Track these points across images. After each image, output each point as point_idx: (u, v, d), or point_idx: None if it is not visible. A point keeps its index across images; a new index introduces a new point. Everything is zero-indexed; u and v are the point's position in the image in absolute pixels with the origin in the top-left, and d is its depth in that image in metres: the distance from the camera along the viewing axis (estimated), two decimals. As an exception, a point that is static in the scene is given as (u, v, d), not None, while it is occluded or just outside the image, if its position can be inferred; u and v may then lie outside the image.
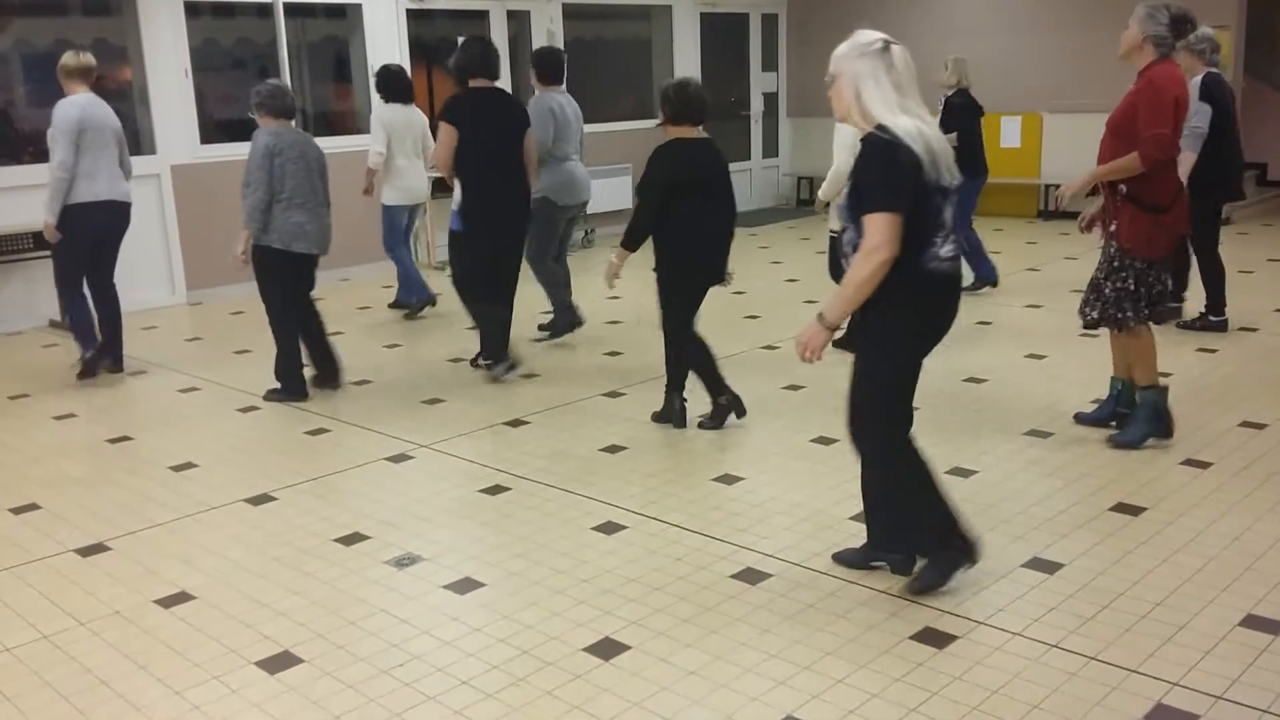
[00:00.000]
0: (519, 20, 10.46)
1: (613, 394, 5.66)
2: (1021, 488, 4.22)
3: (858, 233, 3.09)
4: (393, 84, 7.49)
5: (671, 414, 5.06)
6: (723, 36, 12.26)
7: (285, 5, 8.79)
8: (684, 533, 3.90)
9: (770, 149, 13.02)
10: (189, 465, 4.82)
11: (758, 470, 4.49)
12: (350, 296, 8.52)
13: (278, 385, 5.76)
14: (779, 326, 6.91)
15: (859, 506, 4.02)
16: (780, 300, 7.80)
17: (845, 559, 3.60)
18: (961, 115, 7.60)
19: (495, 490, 4.39)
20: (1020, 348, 6.26)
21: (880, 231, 3.01)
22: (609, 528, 3.97)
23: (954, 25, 11.52)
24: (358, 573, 3.68)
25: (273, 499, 4.38)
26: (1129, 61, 4.44)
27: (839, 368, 5.83)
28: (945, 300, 3.24)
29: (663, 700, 2.86)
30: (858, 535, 3.80)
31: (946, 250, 3.16)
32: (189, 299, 8.50)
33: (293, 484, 4.53)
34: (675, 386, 5.06)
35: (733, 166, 12.13)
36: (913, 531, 3.43)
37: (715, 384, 5.01)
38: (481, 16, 10.15)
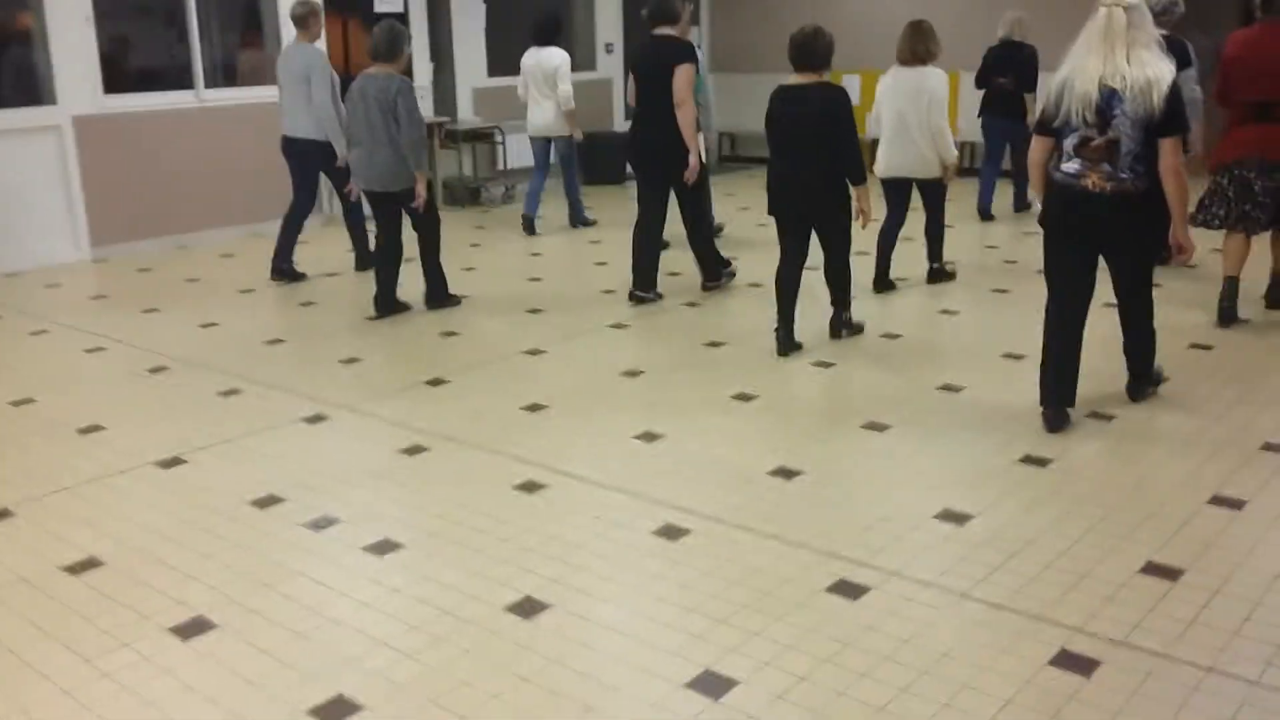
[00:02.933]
0: (436, -30, 10.24)
1: (534, 351, 5.63)
2: (934, 441, 4.31)
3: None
4: (532, 28, 8.53)
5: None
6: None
7: (191, -51, 8.49)
8: (605, 490, 3.92)
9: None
10: (96, 427, 4.69)
11: (679, 427, 4.52)
12: (263, 252, 8.29)
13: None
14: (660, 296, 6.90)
15: (778, 461, 4.10)
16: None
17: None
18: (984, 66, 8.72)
19: (414, 450, 4.35)
20: (934, 304, 6.37)
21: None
22: (530, 486, 3.97)
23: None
24: (273, 536, 3.63)
25: (184, 461, 4.29)
26: None
27: (763, 328, 5.88)
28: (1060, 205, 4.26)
29: (583, 657, 2.88)
30: (777, 490, 3.86)
31: (1065, 166, 4.20)
32: (94, 255, 8.21)
33: (205, 446, 4.44)
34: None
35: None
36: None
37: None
38: (397, -35, 9.91)
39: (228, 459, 4.30)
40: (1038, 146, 4.33)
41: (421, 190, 6.05)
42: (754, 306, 6.41)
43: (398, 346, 5.83)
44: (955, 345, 5.57)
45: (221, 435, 4.55)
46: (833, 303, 5.63)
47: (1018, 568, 3.28)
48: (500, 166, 10.58)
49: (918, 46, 6.25)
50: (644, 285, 6.51)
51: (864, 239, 5.70)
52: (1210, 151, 5.79)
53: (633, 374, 5.22)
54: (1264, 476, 3.87)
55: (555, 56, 8.39)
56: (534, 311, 6.44)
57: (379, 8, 9.83)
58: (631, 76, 6.44)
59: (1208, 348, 5.31)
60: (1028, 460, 4.07)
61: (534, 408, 4.80)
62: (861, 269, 6.03)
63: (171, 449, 4.40)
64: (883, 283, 6.63)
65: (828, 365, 5.28)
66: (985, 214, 8.85)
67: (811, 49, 5.20)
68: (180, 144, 8.54)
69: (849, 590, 3.18)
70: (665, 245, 6.85)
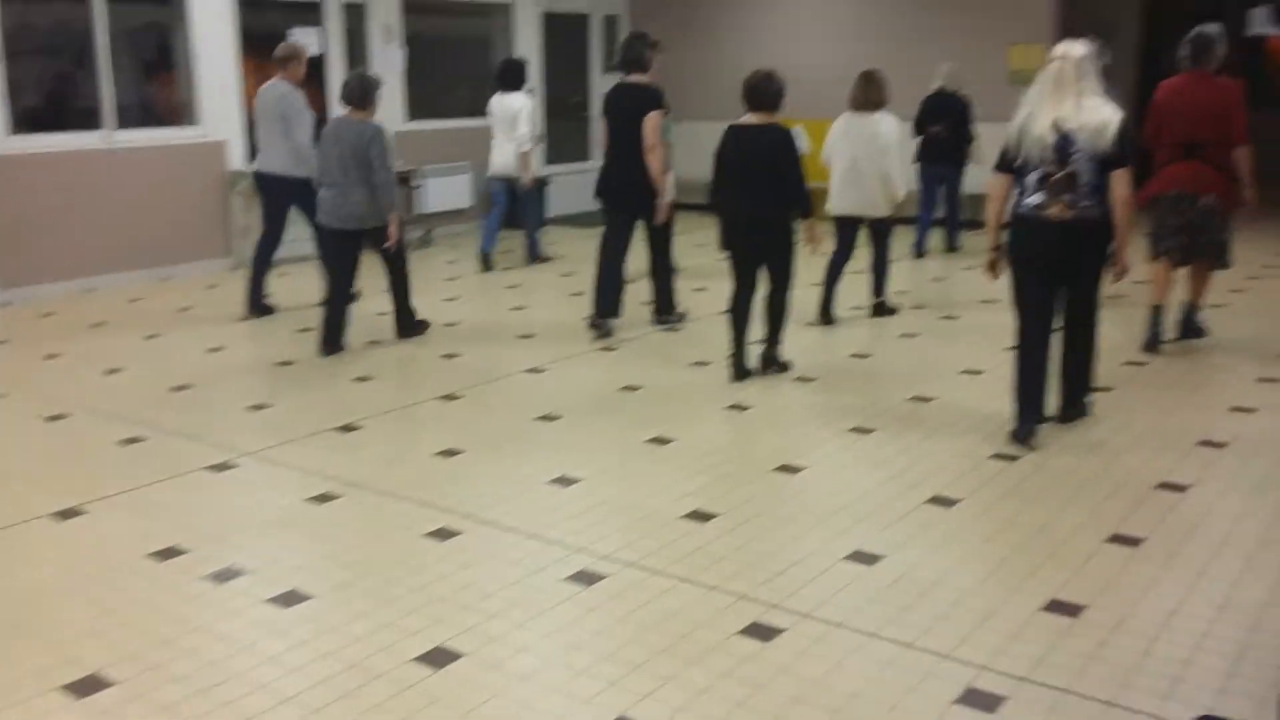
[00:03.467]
0: (355, 14, 10.20)
1: (449, 396, 5.59)
2: (846, 482, 4.37)
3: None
4: (497, 74, 9.05)
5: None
6: (564, 37, 12.25)
7: (102, -10, 8.36)
8: (520, 537, 3.89)
9: (611, 150, 13.05)
10: (-10, 478, 4.52)
11: (595, 471, 4.51)
12: (170, 296, 8.15)
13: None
14: (620, 324, 6.94)
15: (694, 505, 4.12)
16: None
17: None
18: (921, 114, 9.10)
19: (324, 499, 4.27)
20: (846, 346, 6.48)
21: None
22: (443, 534, 3.92)
23: (787, 34, 11.83)
24: (174, 589, 3.53)
25: (82, 513, 4.15)
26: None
27: (680, 371, 5.92)
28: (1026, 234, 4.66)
29: (495, 707, 2.84)
30: (693, 533, 3.87)
31: (1029, 199, 4.60)
32: (-6, 300, 7.96)
33: (104, 496, 4.30)
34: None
35: (573, 167, 12.28)
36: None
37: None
38: (314, 9, 9.86)
39: (128, 510, 4.18)
40: (997, 183, 4.75)
41: (394, 229, 6.35)
42: (669, 350, 6.45)
43: (308, 392, 5.74)
44: (865, 388, 5.67)
45: (122, 485, 4.41)
46: (765, 339, 5.82)
47: (925, 607, 3.33)
48: (418, 210, 10.54)
49: (871, 94, 6.73)
50: (604, 314, 6.75)
51: (808, 275, 5.79)
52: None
53: (549, 418, 5.21)
54: (1159, 514, 3.99)
55: (516, 101, 8.80)
56: (449, 356, 6.40)
57: (295, 51, 9.76)
58: (603, 120, 6.75)
59: (1107, 389, 5.47)
60: (936, 501, 4.14)
61: (448, 453, 4.75)
62: (803, 303, 6.11)
63: (69, 500, 4.25)
64: (825, 315, 6.94)
65: (743, 409, 5.33)
66: (919, 251, 9.35)
67: (764, 91, 5.55)
68: (88, 186, 8.35)
69: (762, 633, 3.19)
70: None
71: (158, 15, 9.31)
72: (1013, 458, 4.57)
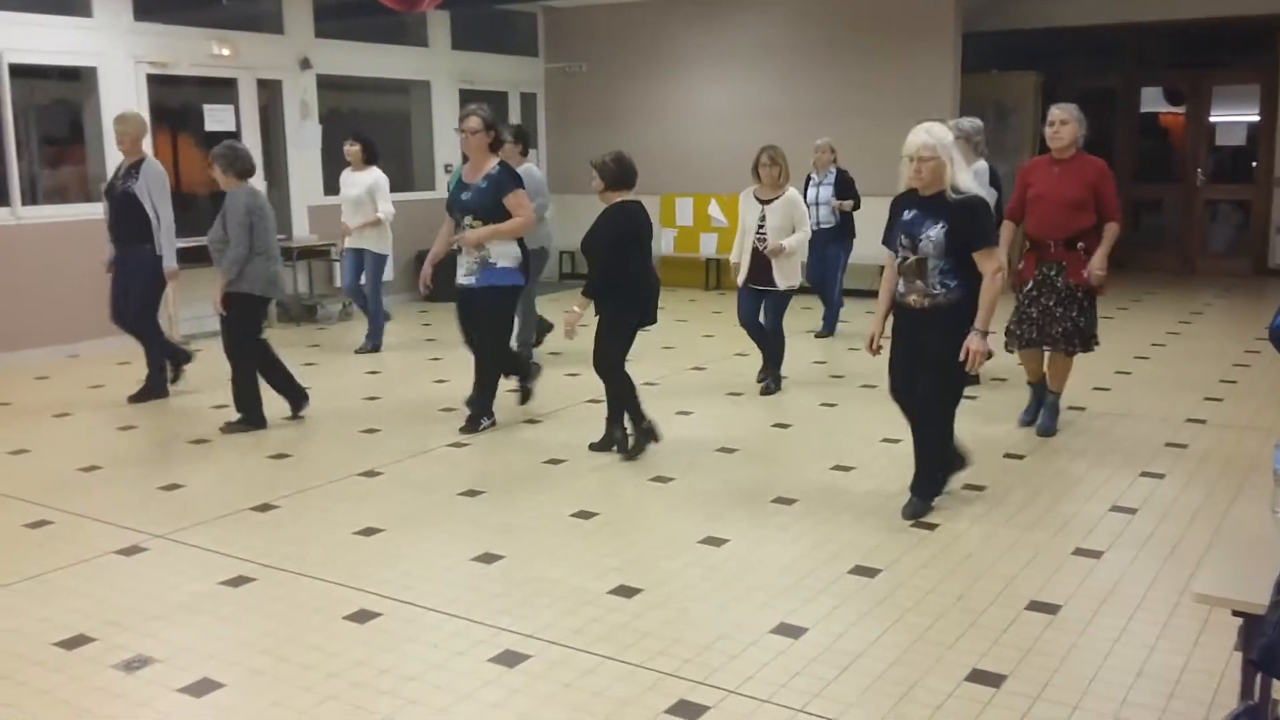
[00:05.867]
0: (270, 89, 10.18)
1: (370, 473, 5.50)
2: (769, 555, 4.38)
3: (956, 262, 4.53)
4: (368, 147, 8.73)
5: (613, 442, 5.76)
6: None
7: (11, 66, 8.22)
8: (442, 617, 3.82)
9: (532, 224, 13.15)
10: (-119, 568, 4.31)
11: (518, 548, 4.46)
12: (80, 374, 7.93)
13: (239, 416, 6.26)
14: (544, 400, 6.92)
15: (618, 580, 4.10)
16: (543, 375, 7.81)
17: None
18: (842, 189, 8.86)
19: (238, 581, 4.15)
20: (766, 418, 6.54)
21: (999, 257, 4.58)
22: (362, 616, 3.83)
23: (697, 112, 12.11)
24: (80, 679, 3.38)
25: (-19, 602, 3.97)
26: (1068, 153, 5.75)
27: (601, 453, 5.90)
28: None
29: (416, 796, 2.76)
30: (617, 609, 3.84)
31: None
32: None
33: (6, 584, 4.12)
34: (614, 419, 5.77)
35: (495, 242, 12.28)
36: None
37: (637, 414, 5.70)
38: (230, 84, 9.81)
39: (33, 597, 4.01)
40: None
41: (219, 300, 6.10)
42: (592, 422, 6.44)
43: (223, 471, 5.60)
44: (788, 458, 5.72)
45: (25, 572, 4.24)
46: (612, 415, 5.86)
47: (850, 680, 3.34)
48: (337, 284, 10.44)
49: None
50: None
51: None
52: None
53: (472, 494, 5.16)
54: (1077, 580, 4.08)
55: (372, 176, 8.66)
56: (370, 431, 6.31)
57: (210, 126, 9.69)
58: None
59: (1020, 456, 5.60)
60: (858, 571, 4.18)
61: (368, 532, 4.66)
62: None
63: (-33, 589, 4.08)
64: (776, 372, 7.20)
65: (666, 480, 5.34)
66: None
67: (634, 172, 5.68)
68: (-8, 261, 8.13)
69: (688, 710, 3.17)
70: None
71: (66, 91, 9.18)
72: (932, 525, 4.64)
